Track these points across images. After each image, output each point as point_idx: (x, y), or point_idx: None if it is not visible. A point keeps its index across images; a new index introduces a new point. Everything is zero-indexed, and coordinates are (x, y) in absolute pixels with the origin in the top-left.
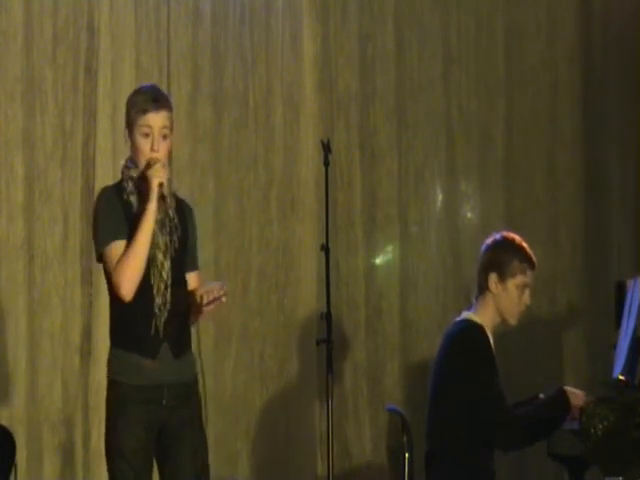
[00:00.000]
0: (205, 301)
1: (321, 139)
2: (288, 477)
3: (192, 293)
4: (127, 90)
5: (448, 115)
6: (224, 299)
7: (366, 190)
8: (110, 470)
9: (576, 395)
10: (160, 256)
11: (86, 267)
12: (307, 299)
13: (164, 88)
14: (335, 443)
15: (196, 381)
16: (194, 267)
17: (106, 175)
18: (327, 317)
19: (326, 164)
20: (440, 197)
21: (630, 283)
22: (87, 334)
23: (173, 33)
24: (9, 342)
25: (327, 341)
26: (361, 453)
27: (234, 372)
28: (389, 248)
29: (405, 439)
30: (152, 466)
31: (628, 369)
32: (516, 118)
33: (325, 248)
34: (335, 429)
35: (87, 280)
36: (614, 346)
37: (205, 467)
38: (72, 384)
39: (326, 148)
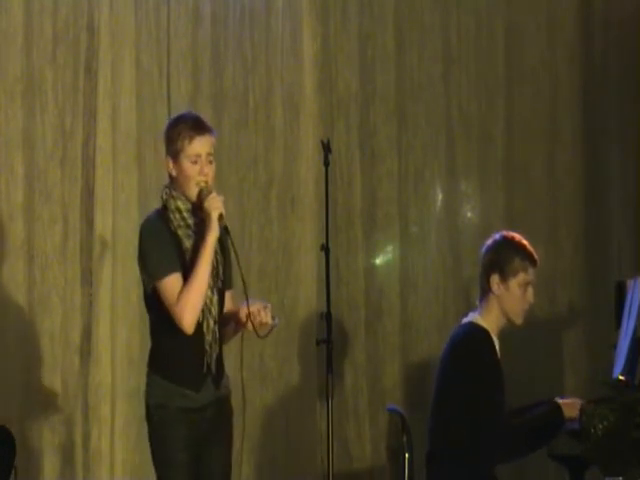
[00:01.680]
0: (257, 324)
1: (321, 139)
2: (288, 477)
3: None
4: (127, 90)
5: (448, 115)
6: (276, 322)
7: (366, 190)
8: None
9: (570, 405)
10: (209, 292)
11: (86, 267)
12: (307, 299)
13: (164, 88)
14: (335, 443)
15: (230, 394)
16: (230, 285)
17: (106, 175)
18: (327, 317)
19: (326, 164)
20: (440, 197)
21: (630, 283)
22: (87, 334)
23: (173, 33)
24: (9, 342)
25: (327, 341)
26: (361, 453)
27: (234, 372)
28: (389, 248)
29: (405, 439)
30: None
31: (628, 369)
32: (516, 118)
33: (325, 248)
34: (335, 429)
35: (87, 280)
36: (614, 346)
37: (231, 468)
38: (72, 384)
39: (326, 148)
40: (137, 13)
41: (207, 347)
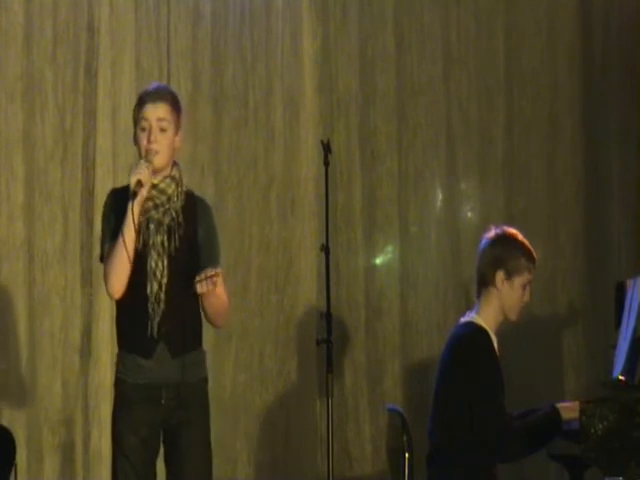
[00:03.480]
0: (197, 279)
1: (321, 139)
2: (288, 477)
3: None
4: (127, 90)
5: (448, 115)
6: (216, 279)
7: (366, 190)
8: (112, 466)
9: (569, 408)
10: (155, 256)
11: (86, 267)
12: (307, 299)
13: None
14: (335, 443)
15: (202, 381)
16: (211, 264)
17: (106, 175)
18: (327, 317)
19: (326, 164)
20: (440, 197)
21: (630, 283)
22: (87, 334)
23: (173, 33)
24: (9, 342)
25: (327, 341)
26: (361, 453)
27: (234, 372)
28: (389, 248)
29: (405, 439)
30: (154, 465)
31: (628, 369)
32: (516, 118)
33: (325, 248)
34: (335, 429)
35: (87, 280)
36: (614, 346)
37: (207, 468)
38: (72, 384)
39: (326, 148)
40: (137, 13)
41: (150, 310)
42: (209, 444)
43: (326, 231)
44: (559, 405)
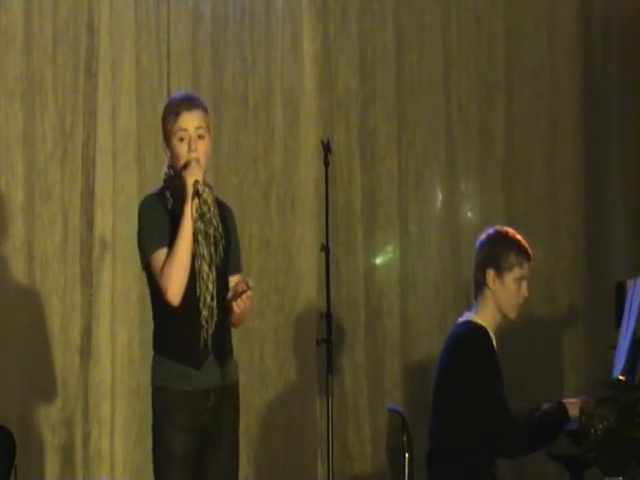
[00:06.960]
0: (229, 296)
1: (321, 139)
2: (288, 477)
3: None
4: (127, 90)
5: (448, 115)
6: (250, 293)
7: (366, 190)
8: (158, 475)
9: (575, 405)
10: (205, 267)
11: (86, 267)
12: (307, 299)
13: (164, 88)
14: (335, 443)
15: (237, 384)
16: (236, 270)
17: (106, 175)
18: (327, 317)
19: (326, 164)
20: (440, 197)
21: (630, 283)
22: (87, 334)
23: (173, 33)
24: (9, 342)
25: (327, 341)
26: (361, 453)
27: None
28: (389, 248)
29: (405, 439)
30: (195, 469)
31: (628, 369)
32: (516, 118)
33: (325, 248)
34: (335, 429)
35: (87, 280)
36: (614, 346)
37: (237, 470)
38: (72, 384)
39: (326, 148)
40: (137, 13)
41: (203, 322)
42: (238, 445)
43: (326, 231)
44: (566, 401)
